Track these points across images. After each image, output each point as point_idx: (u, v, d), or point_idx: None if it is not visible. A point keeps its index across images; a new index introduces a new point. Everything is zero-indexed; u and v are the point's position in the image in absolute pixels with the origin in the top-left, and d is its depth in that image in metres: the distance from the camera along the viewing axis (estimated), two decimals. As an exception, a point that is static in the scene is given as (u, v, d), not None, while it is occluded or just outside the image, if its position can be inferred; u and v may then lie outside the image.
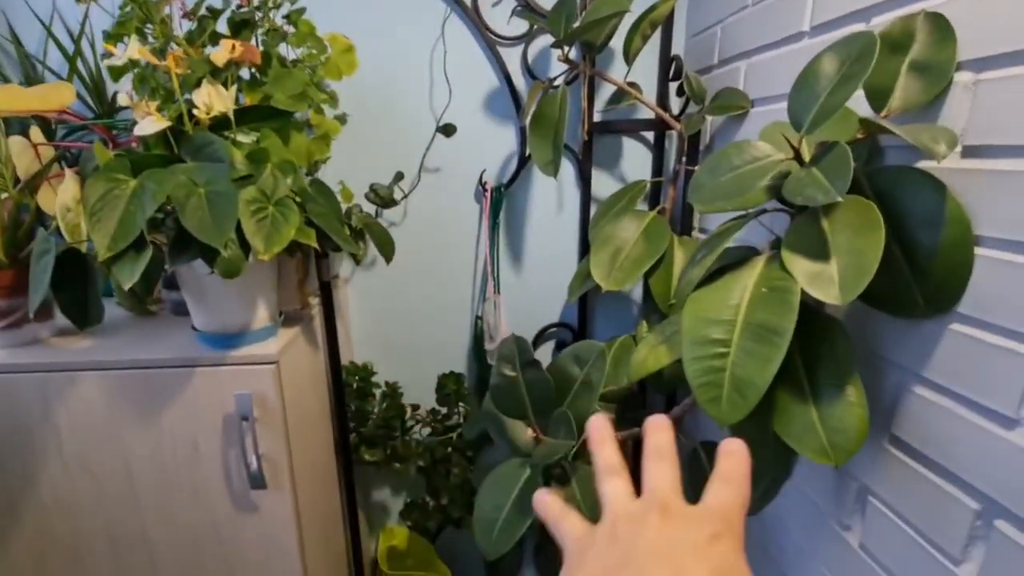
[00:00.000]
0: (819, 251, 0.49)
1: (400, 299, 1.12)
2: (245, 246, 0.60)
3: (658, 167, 1.05)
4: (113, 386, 0.69)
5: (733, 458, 0.30)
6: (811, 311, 0.55)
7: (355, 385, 1.02)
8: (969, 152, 0.47)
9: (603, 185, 1.08)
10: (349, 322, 1.11)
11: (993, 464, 0.45)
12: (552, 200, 1.09)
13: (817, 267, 0.48)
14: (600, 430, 0.32)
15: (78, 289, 0.60)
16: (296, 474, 0.77)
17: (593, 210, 1.07)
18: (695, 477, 0.75)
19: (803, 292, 0.48)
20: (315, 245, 0.65)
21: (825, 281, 0.47)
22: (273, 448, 0.73)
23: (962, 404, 0.48)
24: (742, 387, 0.50)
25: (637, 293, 1.17)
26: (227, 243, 0.57)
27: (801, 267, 0.49)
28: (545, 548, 1.13)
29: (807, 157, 0.54)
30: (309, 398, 0.85)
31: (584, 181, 1.06)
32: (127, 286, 0.51)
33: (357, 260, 0.93)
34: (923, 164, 0.50)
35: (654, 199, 1.05)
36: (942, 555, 0.50)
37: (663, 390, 0.91)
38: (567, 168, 1.07)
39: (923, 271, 0.48)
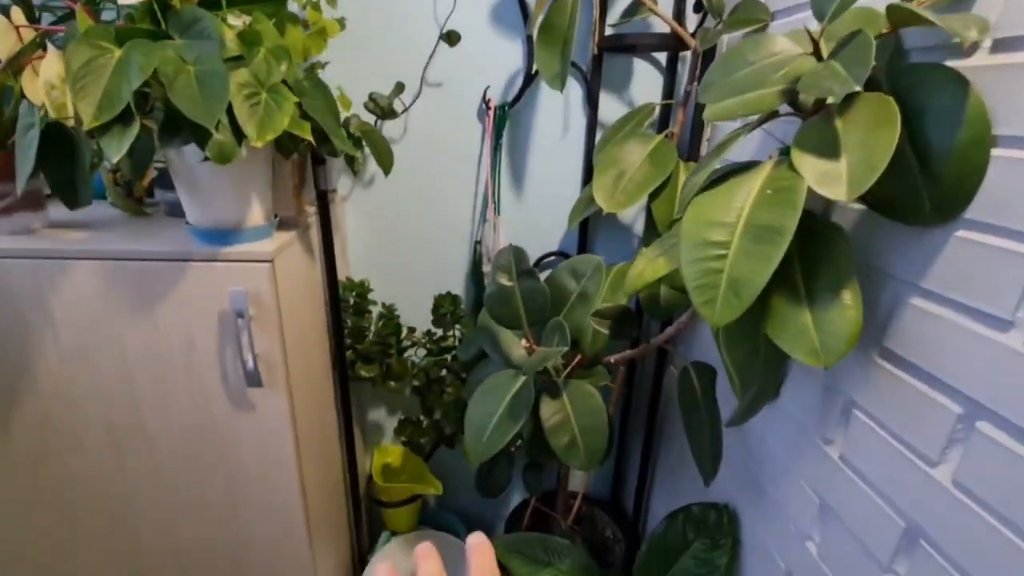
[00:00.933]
0: (829, 149, 0.47)
1: (399, 219, 1.11)
2: (238, 133, 0.58)
3: (669, 91, 1.01)
4: (106, 277, 0.69)
5: (479, 552, 0.32)
6: (814, 218, 0.54)
7: (352, 301, 1.02)
8: (1000, 46, 0.44)
9: (611, 109, 1.04)
10: (347, 240, 1.10)
11: (982, 368, 0.45)
12: (557, 122, 1.06)
13: (826, 165, 0.46)
14: (427, 549, 0.33)
15: (65, 166, 0.59)
16: (292, 376, 0.78)
17: (599, 136, 1.04)
18: (685, 392, 0.76)
19: (808, 197, 0.47)
20: (310, 138, 0.63)
21: (833, 179, 0.45)
22: (269, 347, 0.73)
23: (959, 311, 0.47)
24: (738, 287, 0.49)
25: (638, 225, 1.15)
26: (218, 125, 0.55)
27: (809, 165, 0.47)
28: (533, 467, 1.17)
29: (826, 53, 0.51)
30: (305, 307, 0.86)
31: (591, 103, 1.02)
32: (115, 158, 0.49)
33: (355, 170, 0.91)
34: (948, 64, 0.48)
35: (663, 123, 1.01)
36: (920, 459, 0.51)
37: (659, 315, 0.91)
38: (574, 89, 1.03)
39: (934, 174, 0.47)
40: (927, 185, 0.47)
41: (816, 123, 0.50)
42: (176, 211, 0.79)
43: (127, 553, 0.87)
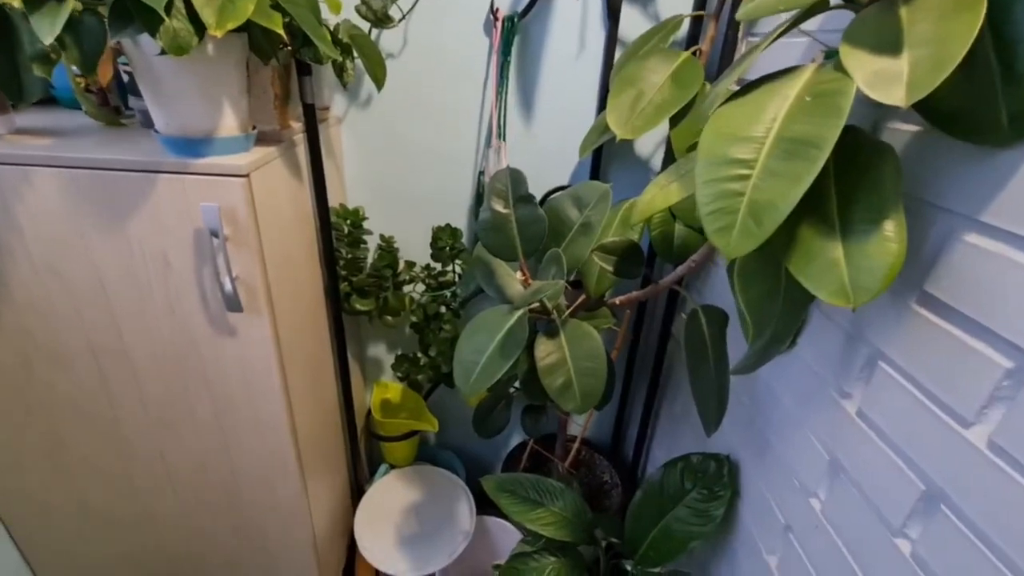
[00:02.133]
0: (889, 43, 0.38)
1: (397, 144, 1.03)
2: (197, 23, 0.51)
3: (701, 0, 0.89)
4: (72, 186, 0.64)
5: None
6: (858, 134, 0.46)
7: (346, 230, 0.96)
8: None
9: (634, 23, 0.93)
10: (343, 166, 1.03)
11: (1045, 315, 0.38)
12: (572, 38, 0.95)
13: (883, 63, 0.38)
14: None
15: (4, 54, 0.53)
16: (276, 302, 0.74)
17: (619, 55, 0.93)
18: (692, 336, 0.70)
19: (853, 110, 0.39)
20: (280, 31, 0.55)
21: (890, 79, 0.37)
22: (248, 271, 0.69)
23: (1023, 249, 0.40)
24: (760, 212, 0.42)
25: (657, 159, 1.06)
26: (170, 8, 0.48)
27: (861, 63, 0.39)
28: (533, 410, 1.14)
29: (897, -77, 0.41)
30: (291, 233, 0.81)
31: (612, 16, 0.91)
32: (48, 39, 0.43)
33: (344, 82, 0.83)
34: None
35: (691, 40, 0.90)
36: (951, 418, 0.45)
37: (672, 257, 0.84)
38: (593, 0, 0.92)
39: (1019, 78, 0.38)
40: (1008, 92, 0.38)
41: (874, 12, 0.41)
42: (150, 121, 0.73)
43: (121, 471, 0.88)
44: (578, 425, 1.34)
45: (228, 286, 0.68)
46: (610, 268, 0.69)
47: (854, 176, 0.44)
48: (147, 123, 0.78)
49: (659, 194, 0.58)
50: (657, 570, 0.84)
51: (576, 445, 1.17)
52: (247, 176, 0.64)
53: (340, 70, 0.82)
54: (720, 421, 0.72)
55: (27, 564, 0.96)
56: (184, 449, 0.86)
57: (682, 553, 0.80)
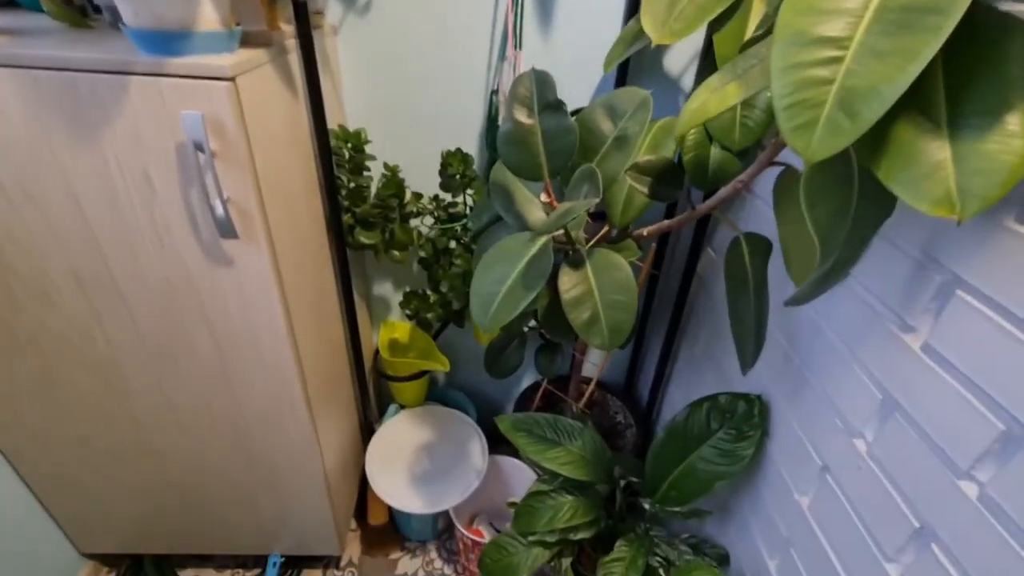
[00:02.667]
0: None
1: (400, 58, 0.93)
2: None
3: None
4: (34, 91, 0.56)
5: None
6: (975, 5, 0.37)
7: (347, 155, 0.88)
8: None
9: (672, -91, 0.80)
10: (340, 82, 0.94)
11: None
12: (601, -72, 0.82)
13: None
14: None
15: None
16: (273, 229, 0.67)
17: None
18: (733, 266, 0.64)
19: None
20: None
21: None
22: (240, 192, 0.62)
23: None
24: (854, 103, 0.34)
25: (688, 77, 0.95)
26: None
27: None
28: (547, 349, 1.10)
29: None
30: (287, 152, 0.73)
31: (647, -100, 0.78)
32: None
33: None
34: None
35: (740, -73, 0.77)
36: (1051, 350, 0.39)
37: (705, 183, 0.76)
38: None
39: None
40: None
41: None
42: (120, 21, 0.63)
43: (121, 408, 0.84)
44: (592, 365, 1.30)
45: (219, 209, 0.61)
46: (644, 190, 0.62)
47: (968, 58, 0.36)
48: (116, 22, 0.68)
49: (712, 97, 0.49)
50: (676, 508, 0.82)
51: (592, 386, 1.14)
52: (233, 80, 0.56)
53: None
54: (757, 357, 0.67)
55: (33, 493, 0.95)
56: (186, 386, 0.82)
57: (706, 493, 0.77)
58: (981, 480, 0.45)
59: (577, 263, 0.66)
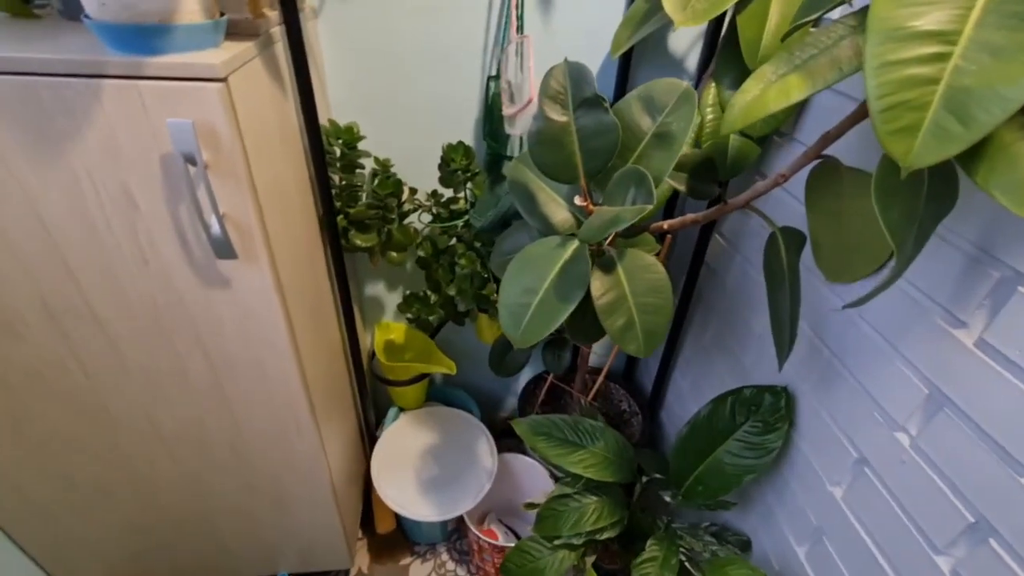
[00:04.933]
0: None
1: (387, 44, 0.85)
2: None
3: None
4: (-17, 102, 0.47)
5: None
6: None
7: (339, 152, 0.81)
8: None
9: None
10: (324, 71, 0.85)
11: None
12: None
13: None
14: None
15: None
16: (274, 243, 0.61)
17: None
18: (771, 261, 0.61)
19: None
20: None
21: None
22: (237, 206, 0.55)
23: None
24: (968, 105, 0.31)
25: (692, 58, 0.91)
26: None
27: None
28: (554, 345, 1.07)
29: None
30: (280, 156, 0.65)
31: None
32: None
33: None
34: None
35: None
36: None
37: (726, 173, 0.73)
38: None
39: None
40: None
41: None
42: (74, 9, 0.54)
43: (104, 442, 0.77)
44: (597, 355, 1.29)
45: (216, 227, 0.54)
46: (683, 188, 0.58)
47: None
48: (69, 11, 0.58)
49: (771, 90, 0.46)
50: (704, 502, 0.82)
51: (601, 378, 1.12)
52: (225, 80, 0.48)
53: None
54: (791, 351, 0.66)
55: (10, 539, 0.87)
56: (178, 413, 0.75)
57: (736, 487, 0.77)
58: (1048, 479, 0.45)
59: (608, 266, 0.63)
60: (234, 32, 0.57)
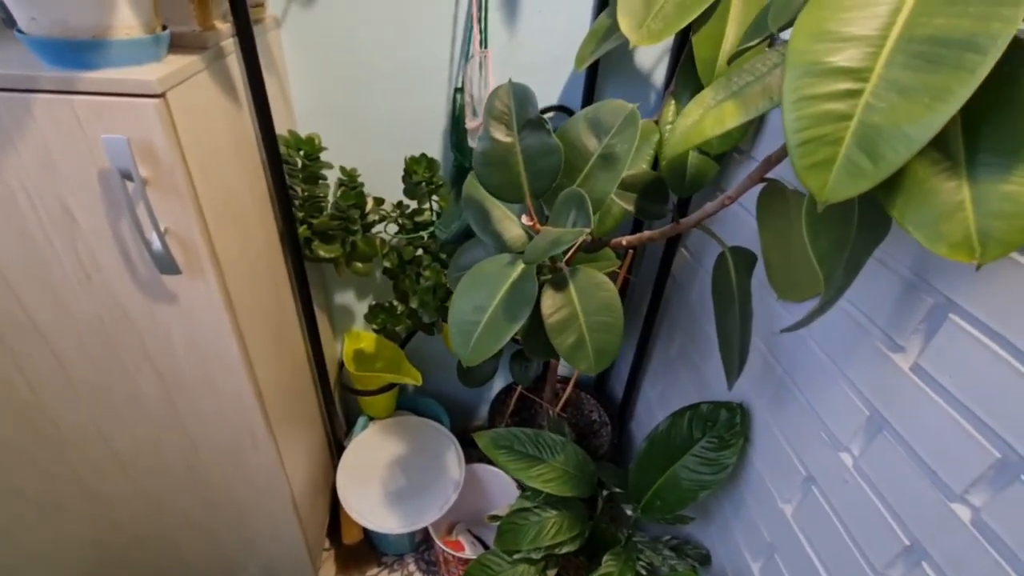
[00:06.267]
0: None
1: (353, 53, 0.85)
2: None
3: None
4: (-91, 115, 0.46)
5: None
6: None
7: (300, 163, 0.80)
8: None
9: None
10: (287, 82, 0.85)
11: None
12: (568, -86, 0.77)
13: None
14: None
15: None
16: (221, 257, 0.60)
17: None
18: (720, 280, 0.62)
19: None
20: None
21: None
22: (180, 222, 0.54)
23: None
24: (877, 143, 0.32)
25: (660, 71, 0.92)
26: None
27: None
28: (521, 356, 1.07)
29: None
30: (233, 169, 0.65)
31: None
32: None
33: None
34: None
35: (715, -82, 0.74)
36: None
37: (684, 191, 0.74)
38: None
39: None
40: None
41: None
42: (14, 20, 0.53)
43: (55, 459, 0.76)
44: (566, 366, 1.28)
45: (156, 243, 0.53)
46: (630, 208, 0.59)
47: (989, 92, 0.34)
48: (9, 21, 0.57)
49: (708, 116, 0.46)
50: (661, 517, 0.82)
51: (569, 388, 1.12)
52: (162, 96, 0.48)
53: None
54: (741, 371, 0.66)
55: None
56: (130, 429, 0.74)
57: (691, 503, 0.77)
58: (975, 504, 0.45)
59: (560, 284, 0.63)
60: (181, 45, 0.56)
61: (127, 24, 0.47)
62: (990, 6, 0.29)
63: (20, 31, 0.45)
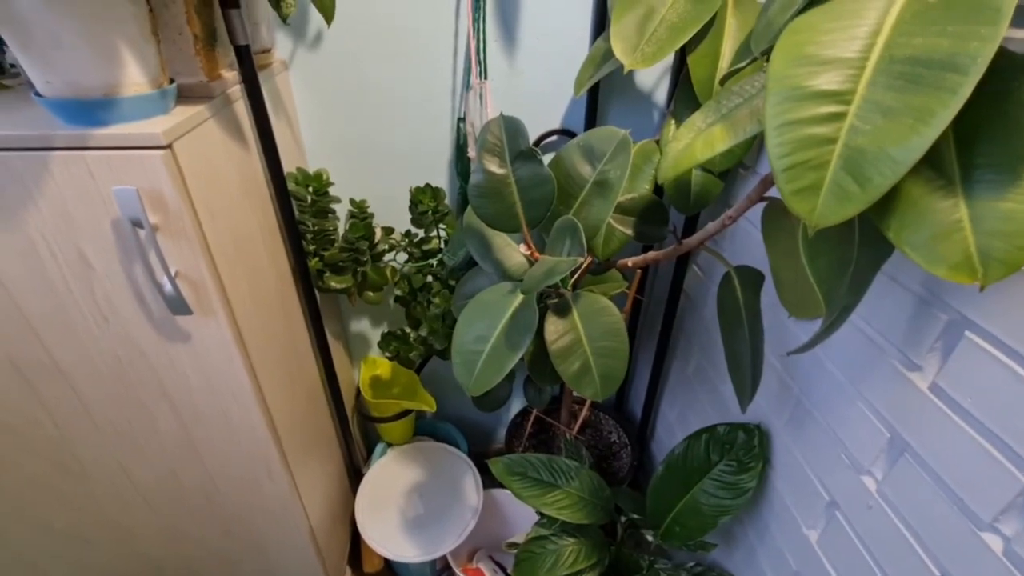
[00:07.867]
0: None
1: (359, 91, 0.87)
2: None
3: None
4: (-61, 176, 0.49)
5: None
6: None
7: (309, 199, 0.82)
8: None
9: (634, -79, 0.76)
10: (297, 121, 0.88)
11: None
12: (560, -55, 0.78)
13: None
14: None
15: None
16: (231, 296, 0.62)
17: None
18: (726, 301, 0.61)
19: None
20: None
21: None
22: (190, 265, 0.56)
23: None
24: (863, 167, 0.31)
25: (661, 92, 0.92)
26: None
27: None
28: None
29: None
30: (242, 211, 0.67)
31: (607, -87, 0.74)
32: None
33: (283, 15, 0.67)
34: None
35: (706, -60, 0.74)
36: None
37: (688, 209, 0.73)
38: None
39: None
40: None
41: None
42: (38, 80, 0.56)
43: (80, 493, 0.78)
44: (581, 386, 1.27)
45: (168, 286, 0.55)
46: (629, 232, 0.58)
47: (981, 107, 0.33)
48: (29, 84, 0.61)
49: (698, 140, 0.46)
50: (682, 544, 0.79)
51: (585, 410, 1.11)
52: (169, 147, 0.50)
53: (276, 0, 0.65)
54: (754, 393, 0.64)
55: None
56: (150, 462, 0.76)
57: (711, 529, 0.74)
58: (1006, 534, 0.43)
59: (563, 310, 0.63)
60: (188, 96, 0.59)
61: (135, 81, 0.49)
62: (968, 25, 0.28)
63: (38, 94, 0.48)
